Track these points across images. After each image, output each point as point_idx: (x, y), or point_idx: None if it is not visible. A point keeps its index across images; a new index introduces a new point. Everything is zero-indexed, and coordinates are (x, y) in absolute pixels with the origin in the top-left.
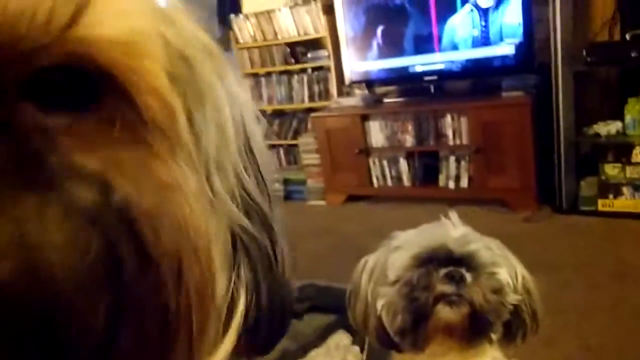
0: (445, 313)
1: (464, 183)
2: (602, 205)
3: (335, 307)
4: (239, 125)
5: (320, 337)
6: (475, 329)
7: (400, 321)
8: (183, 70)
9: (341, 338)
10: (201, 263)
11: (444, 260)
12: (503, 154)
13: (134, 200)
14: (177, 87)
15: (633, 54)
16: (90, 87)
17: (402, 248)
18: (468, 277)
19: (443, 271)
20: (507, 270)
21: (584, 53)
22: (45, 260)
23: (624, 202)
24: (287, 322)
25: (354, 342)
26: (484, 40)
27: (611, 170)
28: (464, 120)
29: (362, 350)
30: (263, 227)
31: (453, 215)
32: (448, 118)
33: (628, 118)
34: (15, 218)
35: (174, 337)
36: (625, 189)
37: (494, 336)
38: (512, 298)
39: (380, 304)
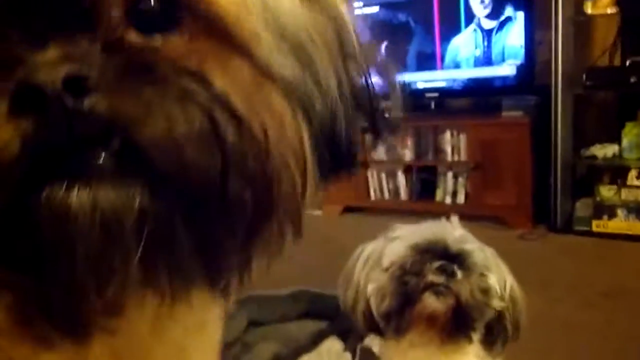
0: (431, 301)
1: (461, 199)
2: (596, 226)
3: (328, 314)
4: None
5: (313, 342)
6: (457, 323)
7: (387, 304)
8: None
9: (333, 344)
10: (281, 129)
11: (440, 254)
12: (500, 171)
13: (226, 88)
14: None
15: (632, 80)
16: (173, 12)
17: (400, 239)
18: (459, 273)
19: (436, 263)
20: (497, 277)
21: (584, 77)
22: (174, 129)
23: (618, 224)
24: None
25: (345, 349)
26: (486, 60)
27: (606, 192)
28: (463, 137)
29: (353, 357)
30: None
31: (454, 218)
32: (447, 134)
33: (625, 142)
34: (141, 101)
35: (269, 186)
36: (619, 211)
37: (474, 336)
38: (497, 303)
39: (370, 287)
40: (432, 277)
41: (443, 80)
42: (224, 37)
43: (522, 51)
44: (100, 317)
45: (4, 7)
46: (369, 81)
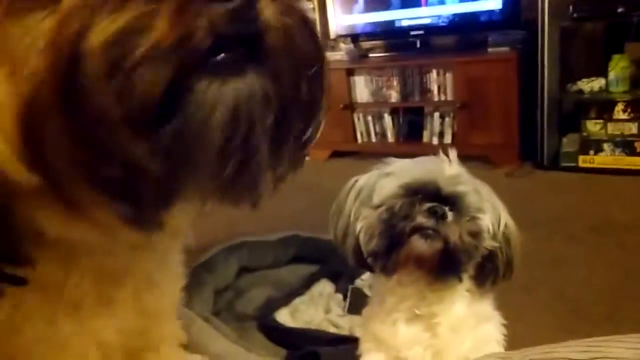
0: (418, 244)
1: (448, 139)
2: (583, 161)
3: (318, 258)
4: None
5: (304, 285)
6: (444, 265)
7: (375, 244)
8: None
9: (324, 286)
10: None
11: (431, 195)
12: (487, 110)
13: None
14: None
15: (619, 9)
16: None
17: (393, 175)
18: (450, 215)
19: (427, 205)
20: (491, 217)
21: (571, 8)
22: (297, 36)
23: (604, 159)
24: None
25: (336, 291)
26: None
27: (593, 126)
28: (449, 76)
29: (344, 298)
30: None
31: (452, 153)
32: (434, 73)
33: (611, 75)
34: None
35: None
36: (606, 146)
37: (464, 275)
38: (489, 243)
39: (359, 225)
40: (420, 220)
41: (428, 17)
42: None
43: None
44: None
45: None
46: None
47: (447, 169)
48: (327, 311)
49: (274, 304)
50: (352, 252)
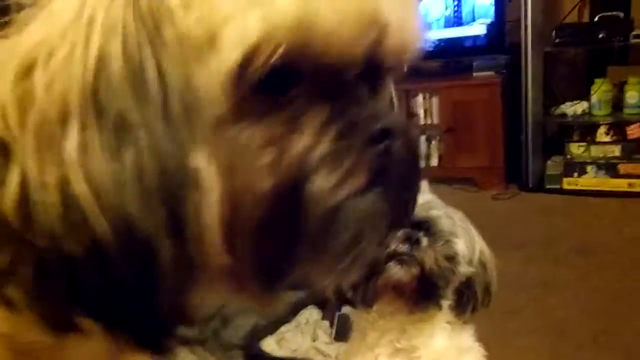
0: (395, 271)
1: (434, 162)
2: (567, 183)
3: None
4: None
5: (291, 313)
6: (423, 291)
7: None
8: None
9: (311, 314)
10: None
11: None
12: (472, 133)
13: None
14: None
15: (601, 35)
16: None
17: None
18: (424, 240)
19: (400, 232)
20: (465, 242)
21: (554, 34)
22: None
23: (588, 181)
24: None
25: (323, 318)
26: (457, 20)
27: (576, 149)
28: (435, 100)
29: (331, 325)
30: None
31: (423, 183)
32: (420, 97)
33: (594, 98)
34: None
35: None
36: (589, 168)
37: (443, 303)
38: (466, 269)
39: None
40: (395, 246)
41: None
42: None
43: (492, 10)
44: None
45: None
46: None
47: (419, 197)
48: (314, 339)
49: (260, 332)
50: (331, 288)
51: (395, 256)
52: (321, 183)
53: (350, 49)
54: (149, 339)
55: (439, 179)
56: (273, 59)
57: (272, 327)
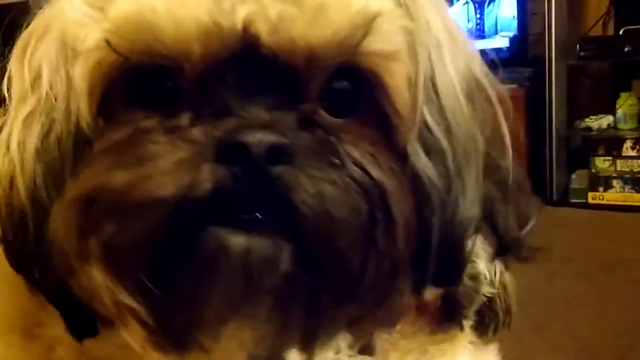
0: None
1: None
2: (592, 198)
3: None
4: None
5: None
6: (446, 311)
7: None
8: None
9: None
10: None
11: None
12: None
13: (384, 182)
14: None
15: (626, 49)
16: (355, 96)
17: None
18: None
19: None
20: (486, 262)
21: (578, 47)
22: (333, 209)
23: (614, 195)
24: (458, 262)
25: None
26: (479, 33)
27: (602, 163)
28: None
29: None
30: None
31: None
32: None
33: (619, 112)
34: (318, 179)
35: (397, 270)
36: (615, 182)
37: (465, 323)
38: (487, 290)
39: None
40: None
41: None
42: (387, 128)
43: (515, 22)
44: (203, 338)
45: (228, 66)
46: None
47: None
48: (337, 352)
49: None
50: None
51: None
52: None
53: (192, 52)
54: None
55: None
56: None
57: None
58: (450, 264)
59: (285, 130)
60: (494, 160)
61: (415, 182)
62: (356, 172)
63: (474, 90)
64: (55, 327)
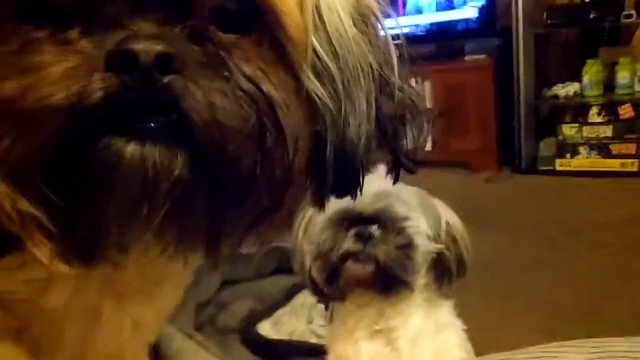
0: (353, 269)
1: (427, 146)
2: (560, 164)
3: None
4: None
5: (286, 297)
6: (384, 283)
7: (319, 277)
8: None
9: (306, 297)
10: (302, 139)
11: (356, 219)
12: (465, 116)
13: (273, 96)
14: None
15: (592, 16)
16: (247, 17)
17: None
18: (377, 234)
19: (353, 230)
20: (427, 220)
21: (544, 15)
22: (224, 118)
23: (581, 162)
24: (353, 175)
25: (318, 301)
26: (448, 3)
27: (569, 130)
28: (427, 84)
29: (326, 308)
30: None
31: (381, 167)
32: (412, 82)
33: (585, 79)
34: (208, 89)
35: (290, 176)
36: (581, 149)
37: (417, 282)
38: (432, 247)
39: (307, 260)
40: (347, 246)
41: (406, 26)
42: (280, 50)
43: None
44: (110, 252)
45: None
46: (399, 121)
47: (371, 187)
48: (310, 321)
49: (256, 317)
50: (309, 284)
51: (349, 255)
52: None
53: None
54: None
55: (432, 163)
56: None
57: (268, 311)
58: (346, 177)
59: (174, 41)
60: (386, 80)
61: (308, 102)
62: (245, 84)
63: (363, 16)
64: None
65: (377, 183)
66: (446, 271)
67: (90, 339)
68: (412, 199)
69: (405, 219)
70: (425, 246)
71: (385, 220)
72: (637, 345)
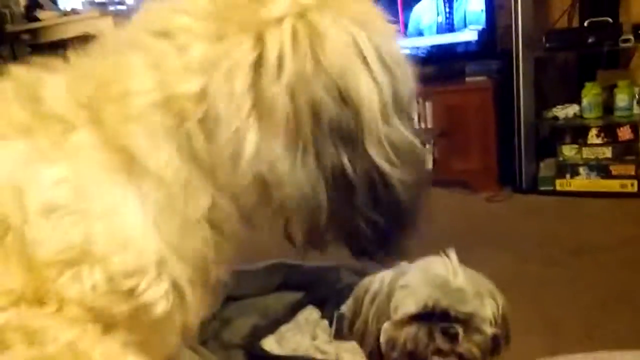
0: None
1: (429, 166)
2: (560, 185)
3: (304, 284)
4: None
5: (290, 313)
6: None
7: (396, 355)
8: None
9: (310, 313)
10: None
11: (444, 315)
12: (466, 137)
13: None
14: None
15: (590, 40)
16: None
17: (408, 289)
18: (461, 333)
19: (440, 325)
20: (491, 307)
21: (544, 39)
22: None
23: (580, 182)
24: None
25: (322, 317)
26: (448, 26)
27: (568, 151)
28: (428, 105)
29: (330, 324)
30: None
31: (452, 255)
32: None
33: (585, 102)
34: None
35: None
36: (581, 169)
37: None
38: (493, 331)
39: (383, 338)
40: (438, 343)
41: (406, 48)
42: None
43: (484, 16)
44: None
45: None
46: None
47: (453, 281)
48: (314, 338)
49: (260, 332)
50: (369, 350)
51: (438, 352)
52: None
53: None
54: None
55: (433, 182)
56: None
57: (272, 326)
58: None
59: None
60: None
61: None
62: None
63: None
64: None
65: (457, 277)
66: (497, 348)
67: None
68: (482, 284)
69: (483, 320)
70: (489, 332)
71: (469, 322)
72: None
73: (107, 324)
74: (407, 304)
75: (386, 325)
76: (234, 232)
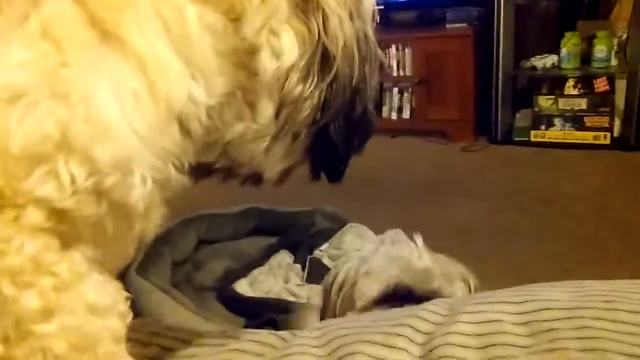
0: None
1: (407, 115)
2: (535, 136)
3: (278, 229)
4: None
5: (264, 257)
6: None
7: None
8: None
9: (283, 257)
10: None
11: (407, 296)
12: (444, 86)
13: None
14: None
15: None
16: None
17: (371, 276)
18: None
19: (404, 305)
20: (462, 290)
21: None
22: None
23: (555, 133)
24: (354, 146)
25: (295, 261)
26: None
27: (545, 102)
28: (408, 52)
29: (303, 269)
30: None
31: (419, 240)
32: (393, 49)
33: (563, 52)
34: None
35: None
36: (556, 121)
37: None
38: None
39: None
40: None
41: None
42: None
43: None
44: None
45: None
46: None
47: (417, 263)
48: (286, 281)
49: (233, 275)
50: None
51: None
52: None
53: None
54: None
55: (411, 132)
56: None
57: (245, 270)
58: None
59: None
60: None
61: None
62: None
63: None
64: None
65: (422, 259)
66: None
67: None
68: (451, 269)
69: (452, 296)
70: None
71: (434, 298)
72: (616, 286)
73: (68, 238)
74: (371, 289)
75: (350, 315)
76: (199, 136)
